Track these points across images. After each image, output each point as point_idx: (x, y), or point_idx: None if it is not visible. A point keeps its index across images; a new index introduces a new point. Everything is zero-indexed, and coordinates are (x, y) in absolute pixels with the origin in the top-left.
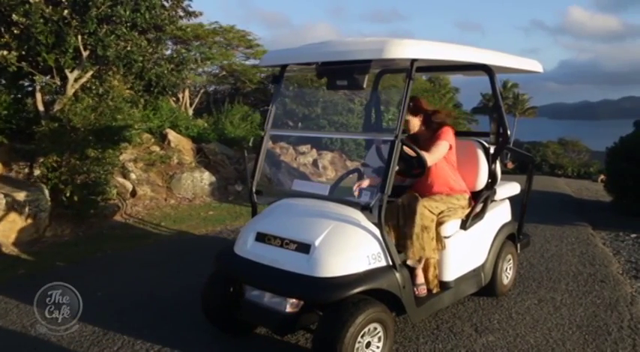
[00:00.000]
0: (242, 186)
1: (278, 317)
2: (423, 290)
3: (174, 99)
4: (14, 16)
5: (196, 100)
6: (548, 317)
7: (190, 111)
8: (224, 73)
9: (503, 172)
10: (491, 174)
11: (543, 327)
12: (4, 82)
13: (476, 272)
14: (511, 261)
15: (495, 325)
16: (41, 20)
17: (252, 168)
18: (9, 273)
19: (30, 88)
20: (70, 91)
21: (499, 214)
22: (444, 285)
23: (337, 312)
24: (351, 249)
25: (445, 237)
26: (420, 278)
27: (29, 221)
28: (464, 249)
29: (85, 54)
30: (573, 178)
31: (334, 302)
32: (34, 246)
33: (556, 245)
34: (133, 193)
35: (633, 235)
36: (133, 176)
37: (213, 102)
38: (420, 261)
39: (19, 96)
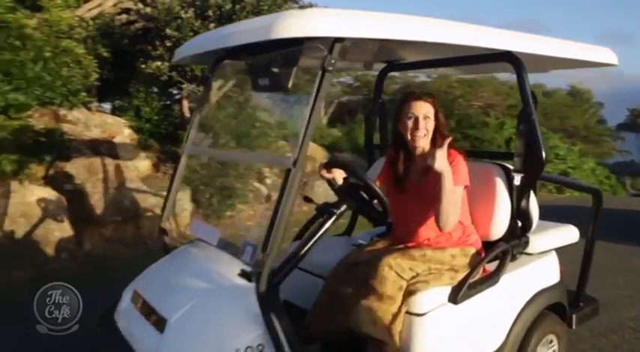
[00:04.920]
0: None
1: None
2: None
3: None
4: (167, 31)
5: (330, 110)
6: None
7: (325, 121)
8: (358, 83)
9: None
10: (521, 214)
11: None
12: (156, 90)
13: None
14: (555, 344)
15: None
16: (191, 33)
17: (165, 198)
18: None
19: (177, 96)
20: (213, 99)
21: (534, 274)
22: None
23: None
24: (214, 335)
25: (417, 315)
26: None
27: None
28: (452, 333)
29: None
30: None
31: None
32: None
33: None
34: (268, 198)
35: None
36: (268, 181)
37: (346, 112)
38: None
39: (168, 102)
